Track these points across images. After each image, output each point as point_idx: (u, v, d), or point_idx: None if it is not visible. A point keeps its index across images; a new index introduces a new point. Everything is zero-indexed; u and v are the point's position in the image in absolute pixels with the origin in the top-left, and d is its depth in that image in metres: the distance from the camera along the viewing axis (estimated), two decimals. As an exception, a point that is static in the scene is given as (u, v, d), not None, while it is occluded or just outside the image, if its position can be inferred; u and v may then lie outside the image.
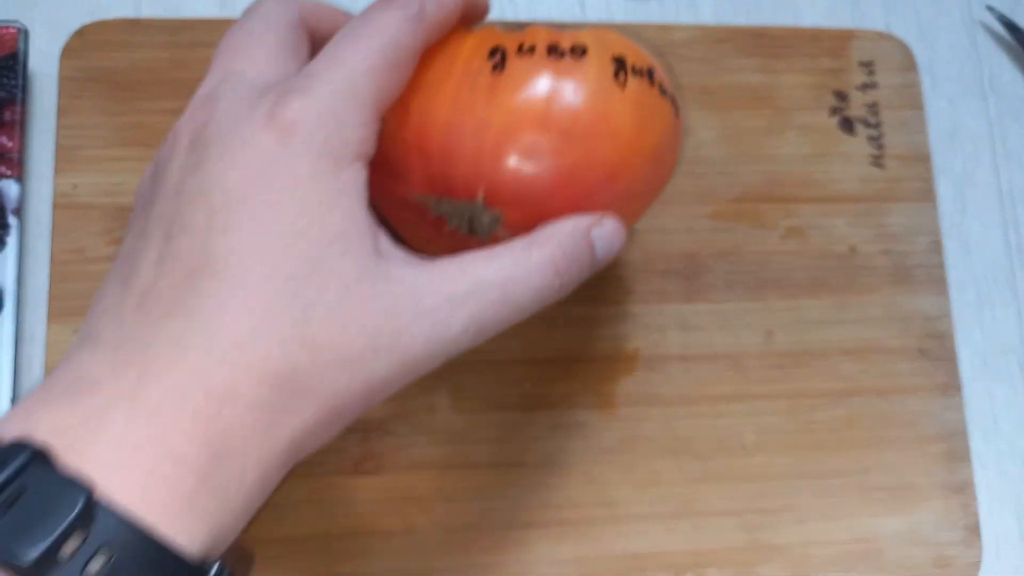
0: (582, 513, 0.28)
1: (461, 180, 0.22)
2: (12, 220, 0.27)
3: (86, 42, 0.29)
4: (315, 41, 0.23)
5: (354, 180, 0.20)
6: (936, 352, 0.30)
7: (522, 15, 0.32)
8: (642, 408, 0.29)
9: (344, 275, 0.19)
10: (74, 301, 0.27)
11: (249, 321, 0.18)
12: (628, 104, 0.22)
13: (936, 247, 0.31)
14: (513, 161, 0.22)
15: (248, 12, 0.22)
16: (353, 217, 0.20)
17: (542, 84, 0.22)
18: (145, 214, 0.20)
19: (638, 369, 0.29)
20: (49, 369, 0.27)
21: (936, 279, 0.31)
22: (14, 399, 0.27)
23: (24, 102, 0.28)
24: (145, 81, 0.29)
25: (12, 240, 0.27)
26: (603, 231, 0.22)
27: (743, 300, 0.30)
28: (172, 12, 0.31)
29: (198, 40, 0.30)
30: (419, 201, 0.22)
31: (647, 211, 0.25)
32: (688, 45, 0.31)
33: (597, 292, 0.29)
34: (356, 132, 0.20)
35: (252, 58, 0.21)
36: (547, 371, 0.29)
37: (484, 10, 0.25)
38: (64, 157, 0.28)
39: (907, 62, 0.33)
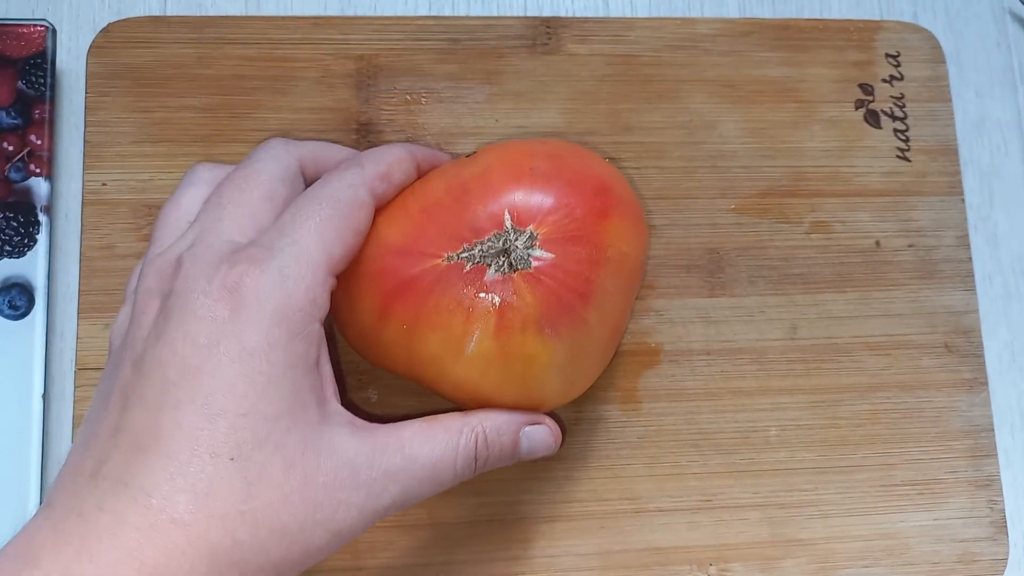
0: (606, 507, 0.28)
1: (486, 216, 0.22)
2: (42, 217, 0.28)
3: (112, 39, 0.29)
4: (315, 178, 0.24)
5: (305, 347, 0.21)
6: (962, 347, 0.30)
7: (544, 9, 0.32)
8: (665, 402, 0.29)
9: (289, 451, 0.20)
10: (103, 297, 0.28)
11: (191, 499, 0.19)
12: None
13: (963, 241, 0.31)
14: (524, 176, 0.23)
15: (248, 160, 0.23)
16: (300, 391, 0.21)
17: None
18: (110, 378, 0.21)
19: (661, 363, 0.29)
20: (80, 363, 0.27)
21: (963, 273, 0.31)
22: (45, 393, 0.27)
23: (53, 100, 0.29)
24: (171, 78, 0.29)
25: (42, 237, 0.28)
26: (535, 432, 0.24)
27: (767, 295, 0.30)
28: (197, 9, 0.31)
29: (223, 37, 0.30)
30: (450, 262, 0.22)
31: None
32: (712, 38, 0.31)
33: (620, 287, 0.29)
34: (308, 296, 0.21)
35: (232, 216, 0.22)
36: (570, 366, 0.29)
37: (440, 162, 0.26)
38: (92, 154, 0.29)
39: (934, 54, 0.32)
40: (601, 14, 0.32)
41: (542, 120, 0.30)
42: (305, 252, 0.21)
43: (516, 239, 0.22)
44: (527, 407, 0.24)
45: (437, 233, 0.23)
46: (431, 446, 0.22)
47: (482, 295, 0.22)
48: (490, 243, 0.22)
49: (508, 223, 0.22)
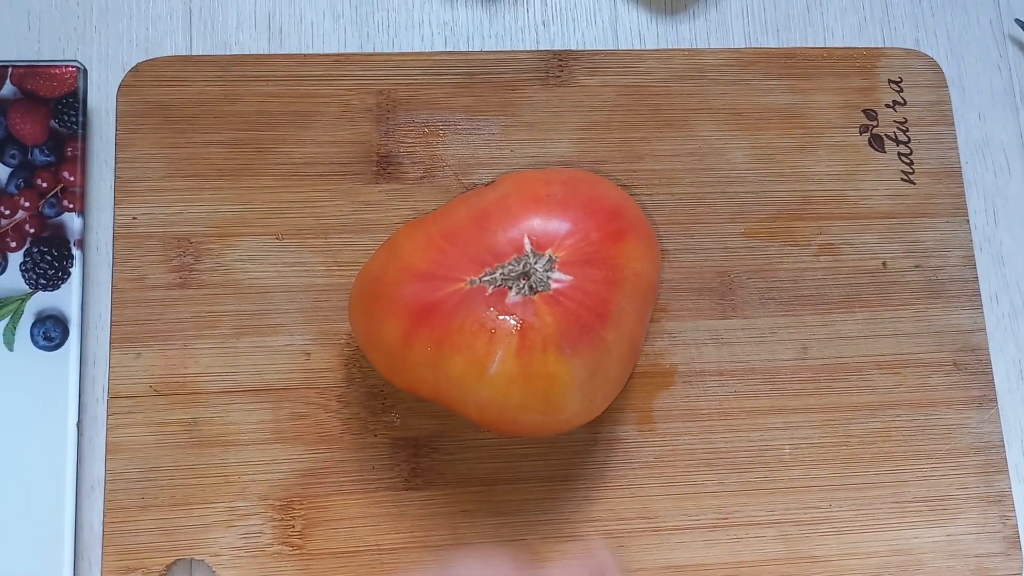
0: (624, 525, 0.29)
1: (506, 241, 0.23)
2: (75, 251, 0.29)
3: (141, 78, 0.30)
4: None
5: None
6: (971, 365, 0.31)
7: (556, 43, 0.33)
8: (680, 422, 0.29)
9: None
10: (134, 327, 0.29)
11: None
12: None
13: (968, 261, 0.32)
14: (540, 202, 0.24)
15: None
16: None
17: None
18: None
19: (676, 384, 0.30)
20: (112, 392, 0.28)
21: (969, 292, 0.31)
22: (81, 421, 0.28)
23: (84, 137, 0.30)
24: (198, 115, 0.30)
25: (76, 270, 0.29)
26: None
27: (777, 316, 0.31)
28: (222, 48, 0.32)
29: (248, 75, 0.31)
30: (472, 285, 0.23)
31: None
32: (718, 68, 0.32)
33: (634, 310, 0.30)
34: None
35: None
36: (587, 388, 0.30)
37: None
38: (123, 189, 0.30)
39: (936, 79, 0.33)
40: (611, 46, 0.33)
41: (556, 150, 0.31)
42: None
43: (536, 262, 0.23)
44: (549, 426, 0.25)
45: (459, 258, 0.24)
46: None
47: (504, 316, 0.23)
48: (511, 267, 0.23)
49: (528, 247, 0.23)
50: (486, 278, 0.23)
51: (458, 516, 0.28)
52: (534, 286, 0.23)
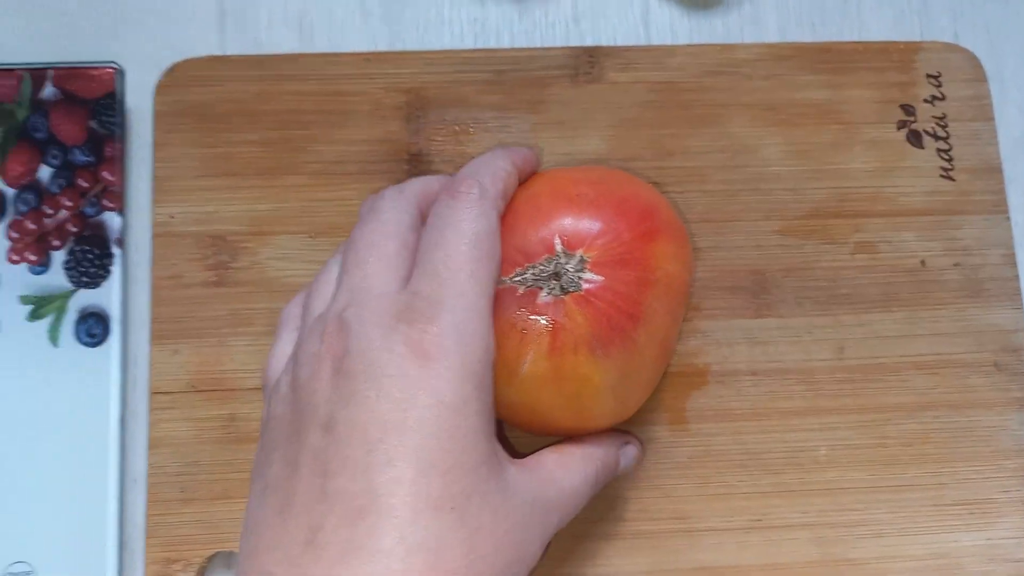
0: (656, 526, 0.28)
1: (536, 241, 0.23)
2: (115, 250, 0.29)
3: (177, 78, 0.31)
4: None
5: (487, 396, 0.21)
6: (1012, 366, 0.30)
7: (587, 39, 0.33)
8: (713, 423, 0.29)
9: (491, 498, 0.21)
10: (172, 324, 0.29)
11: (425, 556, 0.19)
12: None
13: (1009, 259, 0.31)
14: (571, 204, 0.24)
15: (368, 212, 0.24)
16: (490, 437, 0.21)
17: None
18: (292, 444, 0.21)
19: (709, 384, 0.30)
20: (153, 387, 0.29)
21: (1010, 292, 0.31)
22: (124, 416, 0.29)
23: (123, 138, 0.30)
24: (232, 114, 0.31)
25: (116, 268, 0.29)
26: (628, 451, 0.26)
27: (813, 315, 0.30)
28: (254, 47, 0.32)
29: (281, 74, 0.31)
30: (502, 286, 0.23)
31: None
32: (752, 63, 0.32)
33: (666, 309, 0.30)
34: (482, 345, 0.21)
35: (376, 271, 0.22)
36: (618, 387, 0.30)
37: (534, 168, 0.26)
38: (160, 188, 0.30)
39: (976, 73, 0.32)
40: (642, 42, 0.33)
41: (586, 147, 0.31)
42: (471, 301, 0.21)
43: (567, 263, 0.23)
44: (580, 427, 0.25)
45: None
46: (571, 476, 0.23)
47: (535, 317, 0.23)
48: (542, 267, 0.23)
49: (559, 247, 0.23)
50: (516, 278, 0.23)
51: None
52: (565, 287, 0.23)
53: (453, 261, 0.22)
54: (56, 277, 0.29)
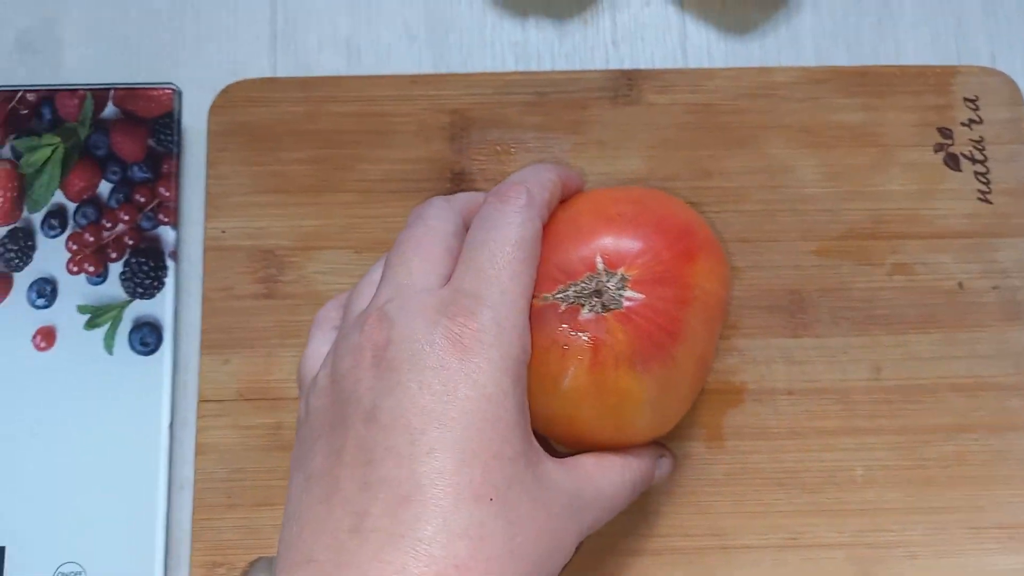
0: (692, 542, 0.29)
1: (578, 259, 0.24)
2: (169, 262, 0.31)
3: (230, 99, 0.32)
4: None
5: (523, 390, 0.22)
6: (1052, 389, 0.30)
7: (626, 62, 0.33)
8: (750, 440, 0.29)
9: (530, 488, 0.21)
10: (222, 334, 0.30)
11: (468, 544, 0.20)
12: None
13: (1049, 282, 0.31)
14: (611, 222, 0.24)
15: (416, 218, 0.25)
16: (527, 430, 0.22)
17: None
18: (336, 433, 0.22)
19: (745, 402, 0.30)
20: (201, 396, 0.30)
21: (1050, 314, 0.31)
22: (173, 422, 0.30)
23: (179, 156, 0.32)
24: (282, 134, 0.32)
25: (170, 280, 0.30)
26: (664, 462, 0.27)
27: (850, 335, 0.30)
28: (304, 70, 0.33)
29: (328, 95, 0.32)
30: (545, 302, 0.24)
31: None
32: (789, 86, 0.32)
33: (703, 327, 0.30)
34: (520, 342, 0.22)
35: (418, 269, 0.23)
36: (655, 403, 0.30)
37: (578, 188, 0.27)
38: (213, 204, 0.31)
39: (1013, 96, 0.33)
40: (680, 65, 0.33)
41: (625, 167, 0.32)
42: (512, 300, 0.22)
43: (608, 281, 0.24)
44: (619, 441, 0.25)
45: None
46: (609, 479, 0.24)
47: (576, 333, 0.23)
48: (584, 284, 0.24)
49: (601, 265, 0.24)
50: (559, 295, 0.24)
51: (527, 526, 0.28)
52: (607, 304, 0.23)
53: (498, 260, 0.23)
54: (112, 288, 0.30)
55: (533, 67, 0.34)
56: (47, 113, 0.31)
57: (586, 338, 0.23)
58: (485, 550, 0.20)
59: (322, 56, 0.34)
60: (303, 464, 0.22)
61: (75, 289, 0.30)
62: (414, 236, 0.24)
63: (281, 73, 0.33)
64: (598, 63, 0.34)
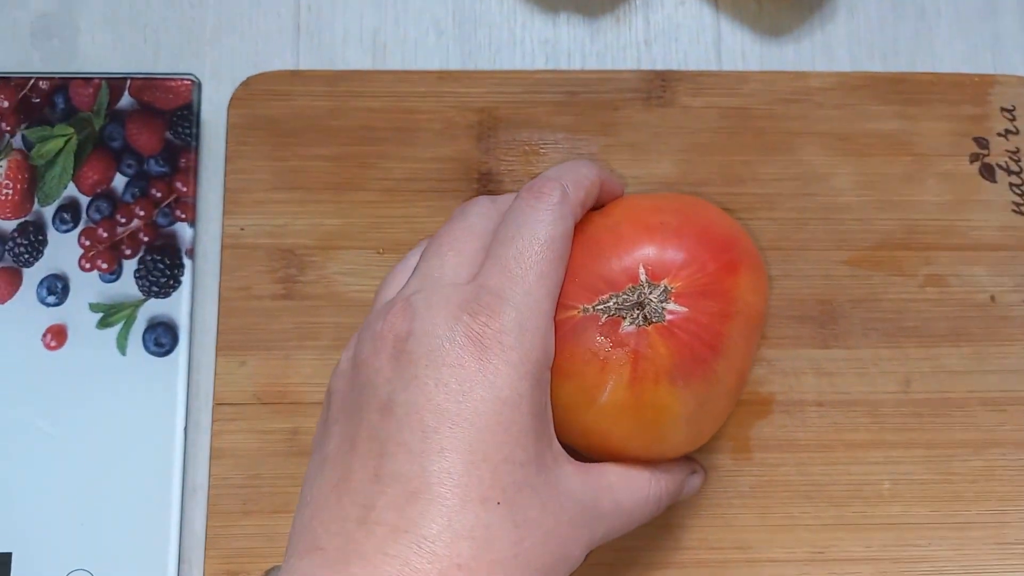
0: (717, 555, 0.28)
1: (620, 270, 0.23)
2: (186, 260, 0.30)
3: (252, 92, 0.31)
4: None
5: (542, 395, 0.22)
6: (1083, 406, 0.30)
7: (658, 62, 0.33)
8: (777, 453, 0.29)
9: (541, 493, 0.21)
10: (239, 335, 0.29)
11: (472, 545, 0.19)
12: None
13: (1081, 297, 0.31)
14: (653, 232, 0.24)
15: (459, 213, 0.24)
16: (541, 436, 0.21)
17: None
18: (352, 421, 0.21)
19: (773, 413, 0.29)
20: (216, 399, 0.29)
21: (1082, 330, 0.30)
22: (187, 426, 0.29)
23: (197, 149, 0.31)
24: (304, 129, 0.31)
25: (186, 279, 0.29)
26: (694, 480, 0.26)
27: (880, 347, 0.30)
28: (327, 63, 0.32)
29: (353, 90, 0.31)
30: (585, 314, 0.23)
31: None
32: (824, 92, 0.32)
33: (732, 336, 0.30)
34: (543, 345, 0.22)
35: (452, 264, 0.23)
36: (682, 413, 0.29)
37: (618, 193, 0.26)
38: (232, 200, 0.30)
39: (1050, 107, 0.32)
40: (713, 67, 0.33)
41: (656, 171, 0.31)
42: (537, 301, 0.22)
43: (650, 293, 0.23)
44: (653, 456, 0.25)
45: (572, 285, 0.24)
46: (631, 493, 0.23)
47: (617, 347, 0.23)
48: (625, 296, 0.23)
49: (643, 277, 0.23)
50: (600, 307, 0.23)
51: (552, 537, 0.28)
52: (648, 316, 0.23)
53: (525, 259, 0.22)
54: (126, 286, 0.29)
55: (563, 65, 0.33)
56: (60, 102, 0.30)
57: (626, 352, 0.23)
58: (489, 552, 0.19)
59: (347, 50, 0.32)
60: (321, 444, 0.22)
61: (87, 286, 0.29)
62: (452, 230, 0.24)
63: (304, 67, 0.32)
64: (629, 63, 0.33)
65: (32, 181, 0.29)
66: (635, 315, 0.23)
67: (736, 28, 0.33)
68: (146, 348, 0.29)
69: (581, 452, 0.25)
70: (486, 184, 0.31)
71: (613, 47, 0.33)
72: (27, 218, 0.29)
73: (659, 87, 0.32)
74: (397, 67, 0.32)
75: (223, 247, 0.30)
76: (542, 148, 0.31)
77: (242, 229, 0.30)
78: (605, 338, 0.23)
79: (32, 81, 0.30)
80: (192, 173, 0.30)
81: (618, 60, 0.33)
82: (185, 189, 0.30)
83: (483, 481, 0.20)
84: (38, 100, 0.30)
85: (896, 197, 0.31)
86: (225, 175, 0.30)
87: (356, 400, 0.22)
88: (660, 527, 0.28)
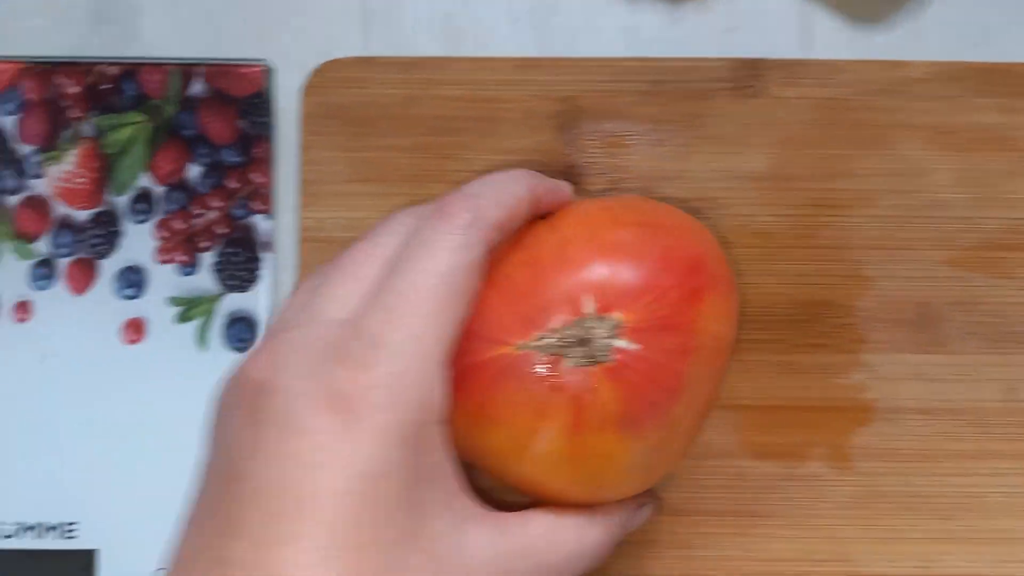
0: (818, 568, 0.27)
1: (562, 299, 0.20)
2: (263, 253, 0.29)
3: (325, 79, 0.30)
4: None
5: (427, 456, 0.18)
6: None
7: (741, 50, 0.31)
8: (878, 462, 0.28)
9: (426, 566, 0.18)
10: (316, 332, 0.28)
11: None
12: None
13: None
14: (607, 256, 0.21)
15: (372, 229, 0.22)
16: (425, 504, 0.18)
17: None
18: (209, 473, 0.19)
19: (874, 421, 0.28)
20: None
21: None
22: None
23: (272, 139, 0.29)
24: (378, 118, 0.30)
25: (266, 273, 0.28)
26: (641, 514, 0.24)
27: (982, 352, 0.29)
28: (396, 49, 0.31)
29: (429, 78, 0.30)
30: (519, 351, 0.20)
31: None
32: (921, 83, 0.30)
33: (828, 339, 0.28)
34: (426, 402, 0.19)
35: (340, 293, 0.20)
36: (775, 419, 0.28)
37: (561, 200, 0.23)
38: (309, 192, 0.29)
39: None
40: (800, 55, 0.31)
41: (745, 164, 0.30)
42: (423, 347, 0.19)
43: (598, 328, 0.20)
44: (595, 502, 0.22)
45: (507, 315, 0.21)
46: (562, 545, 0.21)
47: (555, 391, 0.20)
48: (568, 331, 0.20)
49: (590, 308, 0.20)
50: (536, 343, 0.20)
51: (643, 547, 0.27)
52: (594, 355, 0.20)
53: (415, 294, 0.19)
54: (205, 279, 0.28)
55: (643, 53, 0.31)
56: (129, 89, 0.29)
57: (566, 398, 0.20)
58: None
59: (417, 36, 0.31)
60: (200, 472, 0.20)
61: (166, 280, 0.28)
62: (355, 250, 0.21)
63: (373, 53, 0.31)
64: (712, 50, 0.31)
65: (104, 170, 0.29)
66: (578, 354, 0.20)
67: (825, 15, 0.32)
68: (228, 344, 0.28)
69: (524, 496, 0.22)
70: (568, 177, 0.29)
71: (695, 34, 0.32)
72: (101, 208, 0.28)
73: (749, 76, 0.30)
74: (469, 54, 0.31)
75: (302, 240, 0.29)
76: (626, 140, 0.30)
77: (320, 221, 0.29)
78: (542, 379, 0.20)
79: (97, 66, 0.29)
80: (268, 164, 0.29)
81: (700, 48, 0.31)
82: (262, 180, 0.29)
83: (343, 572, 0.17)
84: (106, 87, 0.29)
85: (1000, 194, 0.30)
86: (300, 166, 0.29)
87: (213, 449, 0.19)
88: (755, 537, 0.27)
